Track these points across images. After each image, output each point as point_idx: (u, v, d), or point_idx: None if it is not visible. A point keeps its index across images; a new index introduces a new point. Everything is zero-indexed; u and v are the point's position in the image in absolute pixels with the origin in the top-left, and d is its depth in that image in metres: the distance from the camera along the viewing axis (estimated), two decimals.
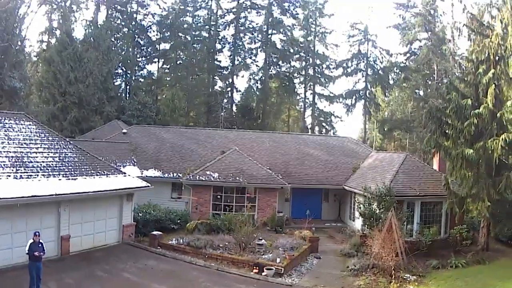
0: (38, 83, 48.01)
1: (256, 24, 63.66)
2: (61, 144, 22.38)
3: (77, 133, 43.28)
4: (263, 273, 19.03)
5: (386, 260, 18.62)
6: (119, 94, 57.54)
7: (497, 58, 21.70)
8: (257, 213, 28.82)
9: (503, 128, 21.15)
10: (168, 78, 62.49)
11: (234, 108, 63.33)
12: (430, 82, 56.75)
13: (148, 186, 24.11)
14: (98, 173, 22.00)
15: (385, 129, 62.80)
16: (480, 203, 21.76)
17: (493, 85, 21.05)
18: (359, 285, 18.09)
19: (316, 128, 65.61)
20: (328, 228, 29.78)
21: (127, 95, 60.03)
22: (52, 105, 44.75)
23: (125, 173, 24.22)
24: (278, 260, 19.79)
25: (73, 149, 22.73)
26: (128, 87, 61.43)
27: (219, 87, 64.45)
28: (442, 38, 54.52)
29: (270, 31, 62.85)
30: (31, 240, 15.43)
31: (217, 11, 63.60)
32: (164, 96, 60.00)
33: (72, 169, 21.00)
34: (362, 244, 22.30)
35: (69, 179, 20.18)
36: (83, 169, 21.51)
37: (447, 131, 23.21)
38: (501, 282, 18.31)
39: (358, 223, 26.19)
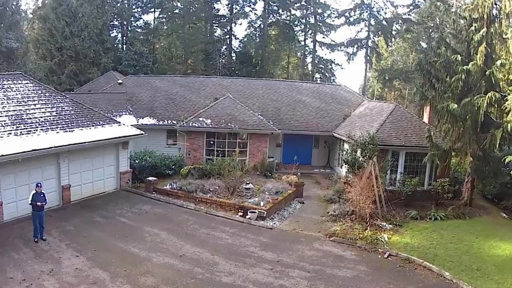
0: (34, 41, 48.16)
1: None
2: (58, 99, 23.14)
3: (75, 86, 43.96)
4: (247, 216, 20.22)
5: (363, 207, 19.54)
6: (115, 46, 57.39)
7: (491, 18, 21.71)
8: (248, 158, 29.75)
9: (492, 86, 21.32)
10: (165, 27, 61.83)
11: (233, 55, 62.92)
12: (433, 35, 56.02)
13: (142, 134, 25.13)
14: (94, 124, 22.95)
15: (386, 78, 62.66)
16: (463, 158, 22.29)
17: (485, 43, 21.03)
18: (335, 230, 19.03)
19: (317, 75, 65.38)
20: (316, 174, 30.85)
21: (124, 46, 59.76)
22: (49, 60, 45.36)
23: (120, 122, 25.03)
24: (262, 204, 20.93)
25: (69, 102, 23.50)
26: (124, 38, 61.04)
27: (217, 35, 63.72)
28: None
29: None
30: (34, 191, 16.40)
31: None
32: (161, 45, 59.72)
33: (69, 122, 21.89)
34: (344, 190, 23.19)
35: (67, 131, 21.09)
36: (79, 121, 22.45)
37: (434, 85, 23.28)
38: (477, 239, 18.89)
39: (344, 170, 27.09)
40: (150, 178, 24.31)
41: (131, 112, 31.45)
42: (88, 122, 22.82)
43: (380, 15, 61.84)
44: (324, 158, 33.77)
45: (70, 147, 20.19)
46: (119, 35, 61.29)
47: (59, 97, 23.50)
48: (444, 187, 23.40)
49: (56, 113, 21.88)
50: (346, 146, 27.97)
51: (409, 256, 16.86)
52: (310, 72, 64.72)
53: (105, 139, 22.34)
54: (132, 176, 24.97)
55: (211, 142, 29.92)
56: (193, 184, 23.42)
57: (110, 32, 57.19)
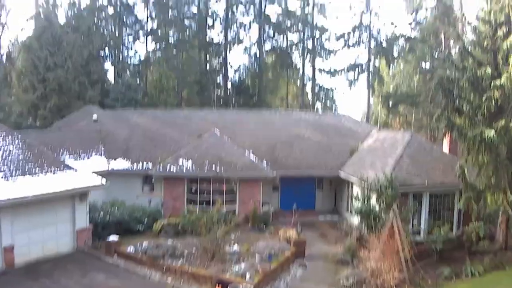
0: (18, 72, 45.07)
1: None
2: (8, 140, 19.83)
3: (59, 121, 39.36)
4: None
5: (387, 279, 14.43)
6: (104, 77, 52.93)
7: None
8: (238, 207, 24.87)
9: None
10: (157, 55, 57.85)
11: (229, 85, 59.01)
12: (436, 55, 52.16)
13: (103, 184, 20.97)
14: (43, 171, 19.35)
15: (390, 104, 58.43)
16: (500, 196, 18.00)
17: None
18: None
19: (318, 104, 61.62)
20: (321, 222, 25.74)
21: (114, 78, 55.83)
22: (32, 93, 41.83)
23: (75, 169, 20.96)
24: (248, 276, 15.67)
25: (20, 144, 20.08)
26: (114, 69, 57.03)
27: (212, 64, 60.11)
28: (450, 6, 49.88)
29: (263, 3, 57.73)
30: None
31: None
32: (153, 77, 56.34)
33: (14, 168, 18.48)
34: (358, 248, 18.22)
35: (8, 180, 17.65)
36: (26, 167, 18.96)
37: (460, 107, 19.33)
38: None
39: (356, 219, 22.09)
40: (111, 239, 19.72)
41: (102, 154, 27.13)
42: (38, 168, 19.16)
43: (380, 36, 58.24)
44: (330, 201, 28.60)
45: (6, 202, 16.51)
46: (109, 65, 57.06)
47: (9, 137, 19.98)
48: (478, 233, 19.13)
49: (1, 158, 18.51)
50: (356, 189, 23.06)
51: None
52: (310, 102, 60.63)
53: (52, 192, 18.31)
54: (93, 233, 20.69)
55: (193, 189, 25.09)
56: (161, 247, 18.42)
57: (103, 62, 53.41)
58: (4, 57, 49.72)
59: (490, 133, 16.98)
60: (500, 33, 18.24)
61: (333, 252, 19.65)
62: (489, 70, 17.86)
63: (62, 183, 19.13)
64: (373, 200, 19.44)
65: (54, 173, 19.42)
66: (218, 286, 15.37)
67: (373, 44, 57.93)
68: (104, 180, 20.98)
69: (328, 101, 61.19)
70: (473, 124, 18.61)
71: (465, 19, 21.15)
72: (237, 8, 58.22)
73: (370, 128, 31.81)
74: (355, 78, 58.65)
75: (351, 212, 23.99)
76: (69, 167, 20.64)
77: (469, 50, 19.79)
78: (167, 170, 24.91)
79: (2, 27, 47.97)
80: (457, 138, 19.57)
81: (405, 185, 19.70)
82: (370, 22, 57.36)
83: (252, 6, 58.02)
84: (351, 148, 28.10)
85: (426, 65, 54.64)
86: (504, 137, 17.35)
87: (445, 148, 25.03)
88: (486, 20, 19.19)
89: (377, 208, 18.94)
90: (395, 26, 57.41)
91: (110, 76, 55.51)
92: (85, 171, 21.34)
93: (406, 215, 18.37)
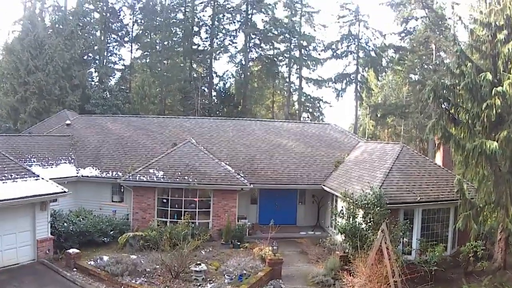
0: (0, 75, 43.99)
1: (236, 3, 56.60)
2: None
3: (33, 126, 38.14)
4: None
5: None
6: (88, 82, 51.39)
7: None
8: (212, 220, 22.84)
9: None
10: (143, 61, 56.91)
11: (214, 94, 57.67)
12: (426, 66, 50.94)
13: (65, 192, 19.64)
14: (3, 178, 18.26)
15: (378, 115, 57.11)
16: (501, 213, 16.49)
17: None
18: None
19: (304, 115, 60.32)
20: (302, 238, 23.64)
21: (97, 83, 54.22)
22: (12, 96, 40.81)
23: (38, 176, 19.70)
24: None
25: None
26: (98, 74, 55.25)
27: (197, 72, 58.51)
28: (441, 15, 49.00)
29: (250, 11, 56.30)
30: None
31: None
32: (136, 83, 54.69)
33: None
34: (342, 267, 16.24)
35: None
36: None
37: (456, 117, 17.79)
38: None
39: (340, 237, 20.01)
40: (70, 251, 18.18)
41: (72, 161, 25.83)
42: None
43: (369, 46, 57.02)
44: (312, 216, 26.40)
45: None
46: (93, 71, 55.25)
47: None
48: (477, 253, 17.63)
49: None
50: (340, 204, 21.11)
51: None
52: (297, 112, 59.08)
53: (8, 200, 17.07)
54: (56, 244, 19.24)
55: (164, 201, 23.07)
56: (122, 263, 16.53)
57: (87, 67, 51.83)
58: None
59: (493, 144, 15.41)
60: (500, 36, 16.85)
61: (314, 272, 17.48)
62: (489, 76, 16.29)
63: (21, 190, 17.88)
64: (360, 217, 17.45)
65: (14, 181, 18.31)
66: None
67: (361, 54, 56.88)
68: (65, 188, 19.58)
69: (315, 112, 59.82)
70: (472, 134, 17.06)
71: (461, 22, 19.25)
72: (223, 16, 57.24)
73: (357, 139, 29.83)
74: (343, 88, 57.44)
75: (335, 228, 21.99)
76: (32, 174, 19.43)
77: (466, 53, 18.15)
78: (137, 179, 22.99)
79: None
80: (454, 150, 17.85)
81: (395, 202, 17.78)
82: (358, 32, 56.38)
83: (238, 14, 56.98)
84: (336, 160, 26.17)
85: (416, 77, 53.75)
86: (506, 149, 15.85)
87: (438, 161, 23.28)
88: (484, 23, 17.72)
89: (363, 226, 16.95)
90: (384, 36, 55.76)
91: (93, 81, 54.13)
92: (47, 179, 19.84)
93: (397, 234, 16.40)
